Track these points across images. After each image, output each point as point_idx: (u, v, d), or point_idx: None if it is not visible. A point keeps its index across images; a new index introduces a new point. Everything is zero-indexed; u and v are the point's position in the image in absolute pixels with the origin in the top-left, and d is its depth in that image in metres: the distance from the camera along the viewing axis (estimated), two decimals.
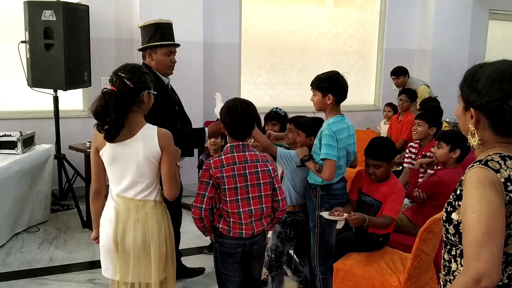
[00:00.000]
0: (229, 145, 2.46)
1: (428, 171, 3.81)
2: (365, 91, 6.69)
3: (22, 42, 4.50)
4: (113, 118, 2.13)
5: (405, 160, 4.39)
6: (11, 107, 5.12)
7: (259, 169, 2.45)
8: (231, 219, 2.42)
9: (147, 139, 2.22)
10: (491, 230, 1.34)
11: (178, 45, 3.32)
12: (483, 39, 7.55)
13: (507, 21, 7.79)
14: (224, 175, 2.38)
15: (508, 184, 1.38)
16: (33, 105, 5.12)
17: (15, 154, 4.20)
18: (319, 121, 3.03)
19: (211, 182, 2.40)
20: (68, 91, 4.71)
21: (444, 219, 1.53)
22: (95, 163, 2.34)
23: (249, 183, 2.42)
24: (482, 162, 1.41)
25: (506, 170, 1.40)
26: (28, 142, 4.40)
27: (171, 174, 2.28)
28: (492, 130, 1.45)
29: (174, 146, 2.30)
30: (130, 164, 2.24)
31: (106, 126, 2.14)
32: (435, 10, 6.73)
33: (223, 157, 2.42)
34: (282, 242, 3.07)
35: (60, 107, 4.82)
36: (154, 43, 3.18)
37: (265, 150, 2.81)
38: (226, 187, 2.39)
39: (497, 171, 1.39)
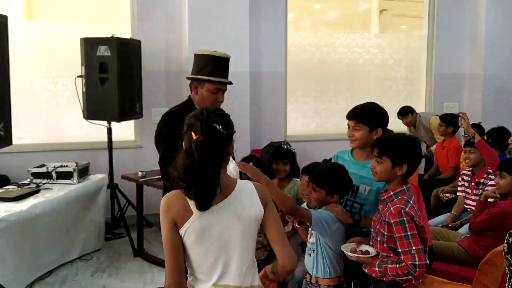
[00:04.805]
0: (405, 187, 2.22)
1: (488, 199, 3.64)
2: None
3: (79, 76, 4.73)
4: (212, 175, 1.60)
5: (459, 188, 4.25)
6: (68, 138, 5.34)
7: None
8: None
9: (250, 197, 1.71)
10: None
11: (230, 83, 2.95)
12: None
13: None
14: (421, 220, 2.17)
15: None
16: (88, 137, 5.32)
17: (71, 184, 4.36)
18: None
19: (417, 232, 2.10)
20: (121, 122, 4.89)
21: (505, 250, 1.47)
22: (171, 243, 1.64)
23: None
24: None
25: None
26: (84, 172, 4.57)
27: (282, 231, 1.74)
28: None
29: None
30: (229, 237, 1.66)
31: (200, 189, 1.59)
32: (485, 33, 6.53)
33: (411, 201, 2.16)
34: None
35: (113, 138, 4.98)
36: (202, 77, 2.85)
37: (279, 204, 2.27)
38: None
39: None
